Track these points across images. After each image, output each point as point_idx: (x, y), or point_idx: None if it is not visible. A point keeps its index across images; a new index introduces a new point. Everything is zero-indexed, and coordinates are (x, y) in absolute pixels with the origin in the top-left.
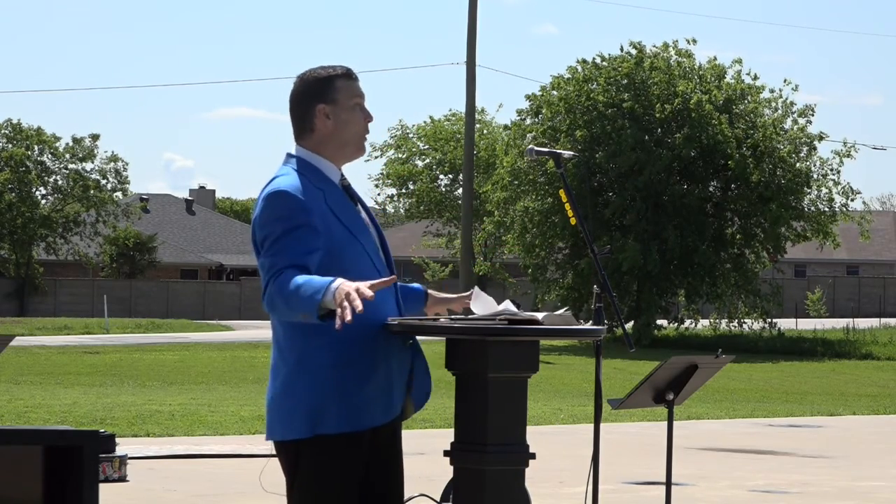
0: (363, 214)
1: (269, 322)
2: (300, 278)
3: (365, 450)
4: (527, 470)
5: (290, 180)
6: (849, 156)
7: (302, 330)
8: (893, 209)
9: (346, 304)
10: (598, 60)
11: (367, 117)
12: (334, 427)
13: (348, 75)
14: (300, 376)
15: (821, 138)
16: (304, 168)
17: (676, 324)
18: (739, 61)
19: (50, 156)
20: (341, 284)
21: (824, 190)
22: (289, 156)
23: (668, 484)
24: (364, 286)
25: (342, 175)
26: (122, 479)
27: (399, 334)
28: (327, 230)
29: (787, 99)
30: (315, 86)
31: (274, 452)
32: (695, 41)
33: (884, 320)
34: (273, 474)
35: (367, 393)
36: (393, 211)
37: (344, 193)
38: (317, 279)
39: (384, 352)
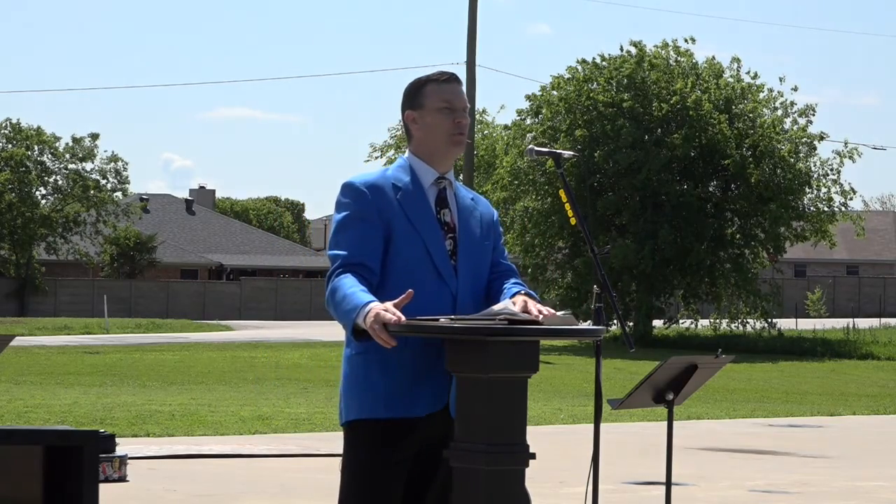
0: (447, 218)
1: (267, 322)
2: (349, 287)
3: (403, 442)
4: (527, 470)
5: (366, 174)
6: (850, 157)
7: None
8: (893, 209)
9: (380, 337)
10: (598, 60)
11: (457, 117)
12: (356, 413)
13: (439, 79)
14: (345, 368)
15: (821, 138)
16: (399, 168)
17: (668, 325)
18: (737, 60)
19: (50, 156)
20: (370, 311)
21: (823, 190)
22: (400, 156)
23: (668, 484)
24: (391, 307)
25: (440, 176)
26: (122, 479)
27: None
28: (386, 222)
29: (786, 99)
30: (407, 93)
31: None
32: (693, 40)
33: (884, 320)
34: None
35: (393, 386)
36: None
37: (425, 194)
38: (358, 296)
39: (423, 353)
